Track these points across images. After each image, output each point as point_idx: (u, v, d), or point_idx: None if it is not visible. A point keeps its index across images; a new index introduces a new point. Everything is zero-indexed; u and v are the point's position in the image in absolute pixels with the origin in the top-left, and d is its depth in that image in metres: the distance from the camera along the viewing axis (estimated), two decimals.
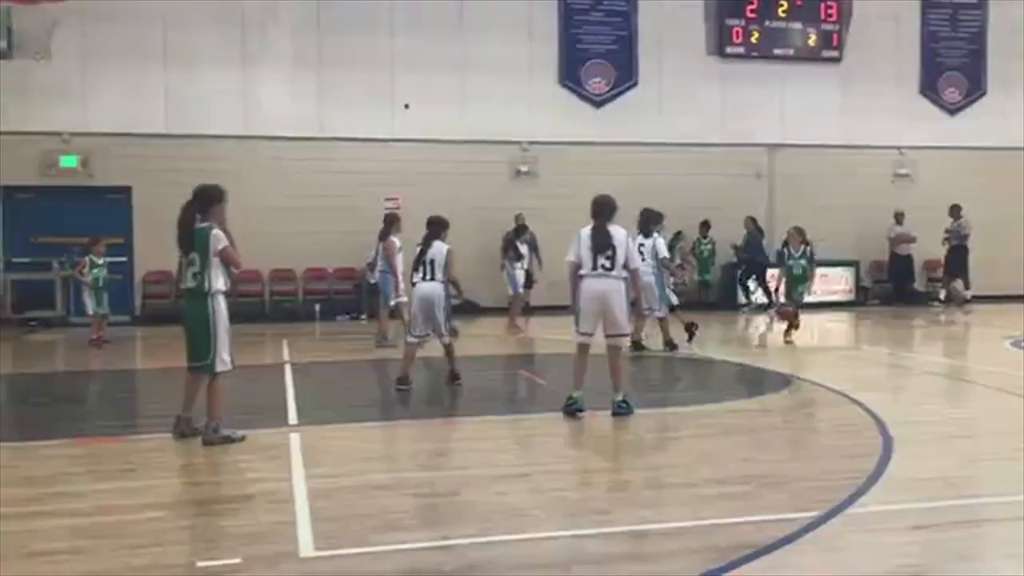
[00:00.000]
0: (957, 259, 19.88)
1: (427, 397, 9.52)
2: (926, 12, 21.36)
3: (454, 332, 9.45)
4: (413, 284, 9.45)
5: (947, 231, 19.88)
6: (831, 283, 20.34)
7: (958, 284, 19.87)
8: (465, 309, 11.30)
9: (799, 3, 20.49)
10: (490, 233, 17.69)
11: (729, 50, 20.31)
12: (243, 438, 6.97)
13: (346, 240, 18.01)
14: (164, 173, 16.77)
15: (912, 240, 20.38)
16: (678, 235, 19.74)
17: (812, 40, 20.73)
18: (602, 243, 7.87)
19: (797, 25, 20.64)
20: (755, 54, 20.42)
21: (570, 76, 19.74)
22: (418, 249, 9.44)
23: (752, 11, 20.33)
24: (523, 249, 15.05)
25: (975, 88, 21.56)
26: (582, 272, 7.92)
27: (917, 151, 21.16)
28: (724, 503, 5.35)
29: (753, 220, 19.55)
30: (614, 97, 19.95)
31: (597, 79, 19.87)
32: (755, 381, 10.41)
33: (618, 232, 7.99)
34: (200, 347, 6.95)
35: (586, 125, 19.66)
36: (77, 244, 15.54)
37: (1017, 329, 14.50)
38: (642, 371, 11.03)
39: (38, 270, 17.30)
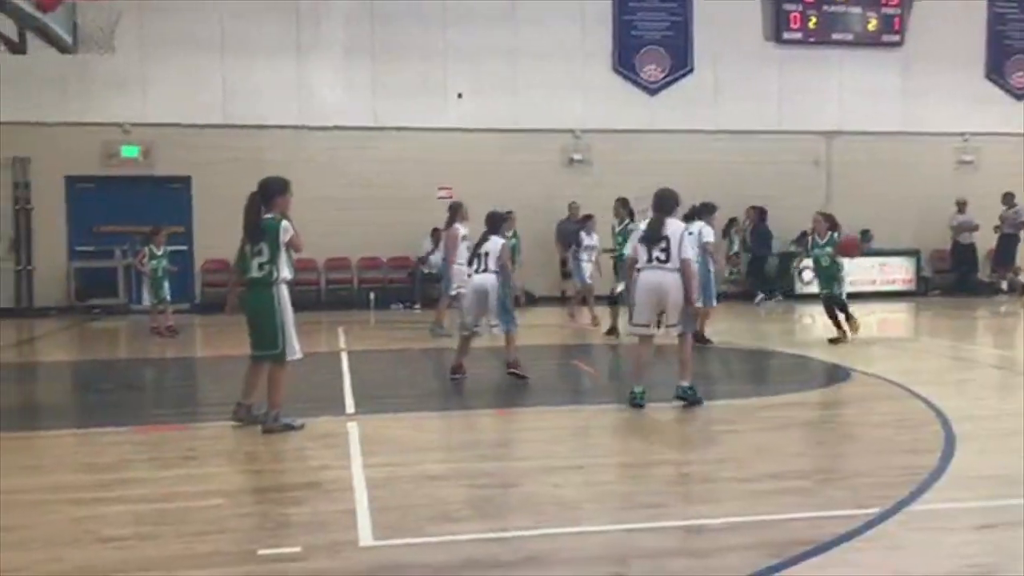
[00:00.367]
0: (1007, 248, 19.41)
1: (482, 387, 9.55)
2: None
3: (507, 323, 9.37)
4: (469, 276, 9.55)
5: (1000, 218, 19.41)
6: (891, 272, 20.01)
7: (1021, 275, 19.43)
8: (518, 298, 11.37)
9: None
10: (543, 222, 17.69)
11: (786, 35, 20.01)
12: (302, 426, 7.07)
13: (399, 229, 18.17)
14: (222, 163, 17.09)
15: (975, 229, 19.92)
16: (732, 222, 19.52)
17: (872, 24, 20.32)
18: (655, 236, 7.84)
19: (857, 9, 20.26)
20: (813, 39, 20.10)
21: (624, 63, 19.61)
22: (475, 243, 9.56)
23: None
24: (592, 239, 14.64)
25: None
26: (638, 265, 7.93)
27: (981, 137, 20.66)
28: (781, 498, 5.30)
29: (756, 209, 19.13)
30: (669, 84, 19.79)
31: (651, 66, 19.71)
32: (813, 373, 10.26)
33: (674, 224, 7.95)
34: (268, 337, 7.03)
35: (640, 112, 19.53)
36: (138, 233, 15.89)
37: None
38: (700, 364, 10.89)
39: (101, 258, 17.73)
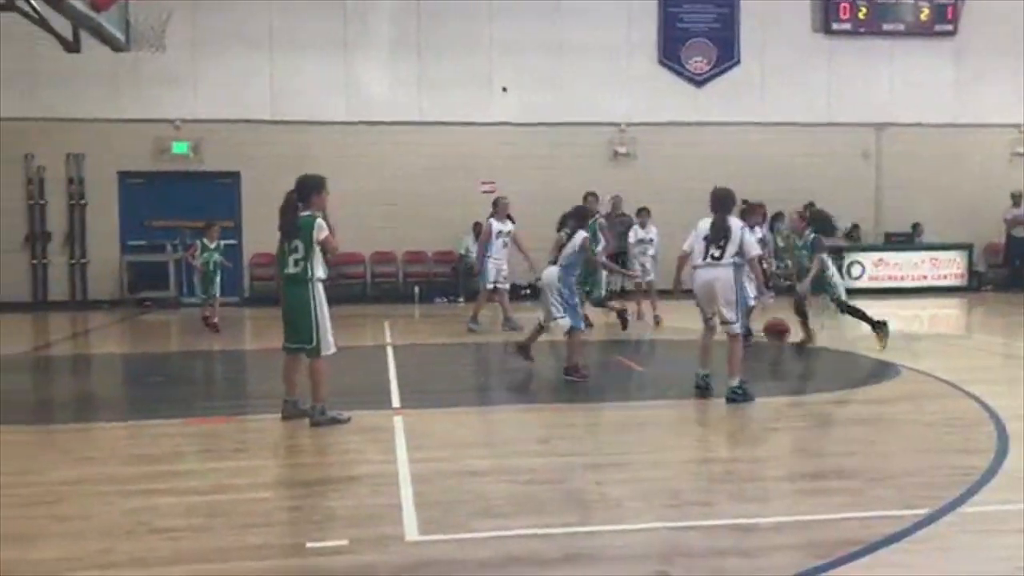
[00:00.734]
0: None
1: (526, 382, 9.58)
2: None
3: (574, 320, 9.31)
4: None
5: None
6: (942, 267, 19.67)
7: None
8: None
9: None
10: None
11: (836, 26, 19.73)
12: (348, 419, 7.15)
13: (444, 224, 18.26)
14: (270, 158, 17.31)
15: None
16: (778, 216, 19.29)
17: (924, 14, 19.95)
18: (718, 235, 7.96)
19: None
20: (863, 30, 19.80)
21: (670, 55, 19.48)
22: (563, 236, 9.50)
23: None
24: (650, 233, 14.36)
25: None
26: (693, 263, 8.07)
27: None
28: (829, 497, 5.24)
29: (745, 202, 18.49)
30: (715, 76, 19.62)
31: (698, 58, 19.56)
32: (862, 370, 10.12)
33: (735, 223, 8.11)
34: (303, 331, 7.12)
35: (686, 105, 19.40)
36: (189, 227, 16.17)
37: None
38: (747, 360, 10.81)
39: (152, 252, 18.06)
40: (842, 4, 19.68)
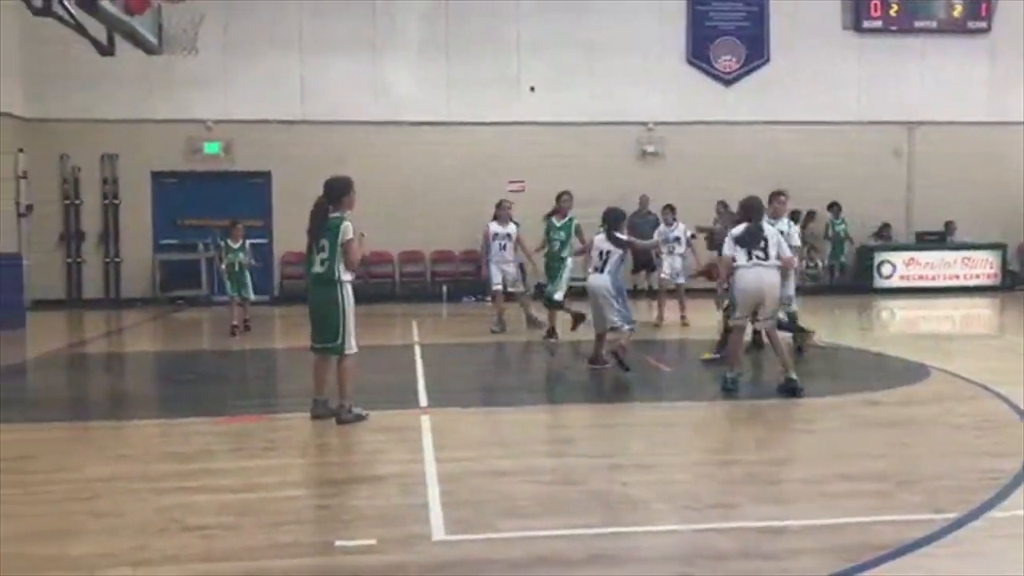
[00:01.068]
0: None
1: (552, 383, 9.61)
2: None
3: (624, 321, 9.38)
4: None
5: None
6: (975, 266, 19.46)
7: None
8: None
9: None
10: None
11: (866, 24, 19.56)
12: (367, 416, 7.26)
13: (472, 223, 18.22)
14: (300, 158, 17.46)
15: None
16: (811, 215, 19.18)
17: (957, 11, 19.72)
18: (755, 240, 8.25)
19: None
20: (894, 27, 19.60)
21: (698, 54, 19.40)
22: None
23: None
24: (676, 231, 14.15)
25: None
26: (736, 264, 8.27)
27: None
28: (856, 500, 5.23)
29: (725, 205, 18.16)
30: (744, 75, 19.52)
31: (727, 56, 19.47)
32: (890, 371, 10.04)
33: (768, 228, 8.43)
34: (330, 330, 7.21)
35: (714, 104, 19.32)
36: (221, 227, 16.30)
37: None
38: (773, 361, 10.77)
39: (184, 251, 18.26)
40: (873, 2, 19.49)
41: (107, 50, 11.31)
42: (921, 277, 19.33)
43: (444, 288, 18.65)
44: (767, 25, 19.47)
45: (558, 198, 12.52)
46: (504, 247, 13.08)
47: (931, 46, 19.71)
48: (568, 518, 4.96)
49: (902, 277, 19.32)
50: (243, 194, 18.25)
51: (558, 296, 11.64)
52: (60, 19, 10.00)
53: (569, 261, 11.89)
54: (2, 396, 9.12)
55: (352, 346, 7.26)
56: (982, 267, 19.46)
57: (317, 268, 7.22)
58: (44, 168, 17.90)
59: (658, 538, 4.69)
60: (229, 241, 13.60)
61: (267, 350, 12.67)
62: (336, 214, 7.19)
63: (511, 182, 17.70)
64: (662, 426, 7.54)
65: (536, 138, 18.64)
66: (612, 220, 9.52)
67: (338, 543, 4.56)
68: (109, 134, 17.93)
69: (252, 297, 13.80)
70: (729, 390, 8.26)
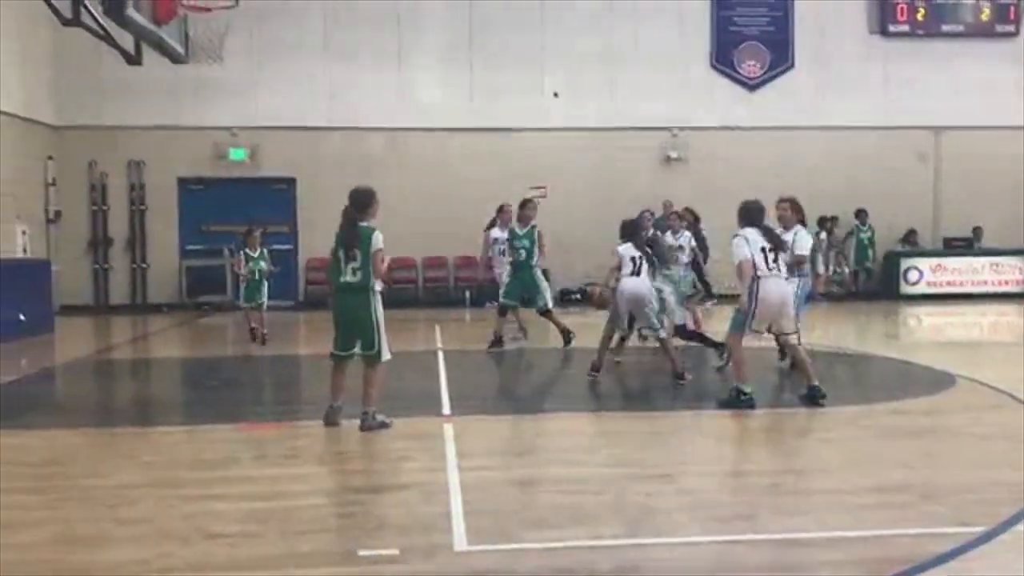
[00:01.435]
0: None
1: (574, 390, 9.61)
2: None
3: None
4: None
5: None
6: (1004, 273, 19.27)
7: None
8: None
9: None
10: None
11: (893, 28, 19.44)
12: (391, 424, 7.29)
13: None
14: (325, 165, 17.61)
15: None
16: (834, 220, 19.07)
17: (985, 14, 19.56)
18: (779, 243, 8.13)
19: None
20: (921, 32, 19.46)
21: (722, 59, 19.36)
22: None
23: None
24: (680, 239, 13.88)
25: None
26: (759, 273, 7.96)
27: None
28: (880, 512, 5.19)
29: (692, 212, 17.53)
30: (769, 80, 19.47)
31: (751, 62, 19.42)
32: (916, 379, 9.96)
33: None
34: (366, 339, 7.26)
35: (738, 109, 19.28)
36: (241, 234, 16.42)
37: None
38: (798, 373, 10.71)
39: (210, 257, 18.42)
40: (899, 5, 19.38)
41: (134, 59, 11.49)
42: (948, 283, 19.17)
43: (467, 293, 18.70)
44: (792, 30, 19.40)
45: (522, 205, 12.36)
46: (504, 252, 12.81)
47: (958, 50, 19.54)
48: (592, 528, 4.95)
49: (929, 283, 19.17)
50: (268, 200, 18.40)
51: (550, 304, 11.87)
52: (89, 29, 10.17)
53: (538, 270, 11.90)
54: (32, 401, 9.27)
55: (387, 353, 7.31)
56: (1010, 273, 19.26)
57: (349, 277, 7.25)
58: (72, 175, 18.15)
59: (681, 550, 4.67)
60: (247, 250, 13.22)
61: (291, 356, 12.75)
62: (365, 223, 7.25)
63: (533, 188, 17.68)
64: (685, 435, 7.53)
65: (560, 144, 18.67)
66: (633, 230, 9.67)
67: (361, 552, 4.57)
68: (136, 141, 18.16)
69: (266, 304, 13.41)
70: (750, 405, 7.92)
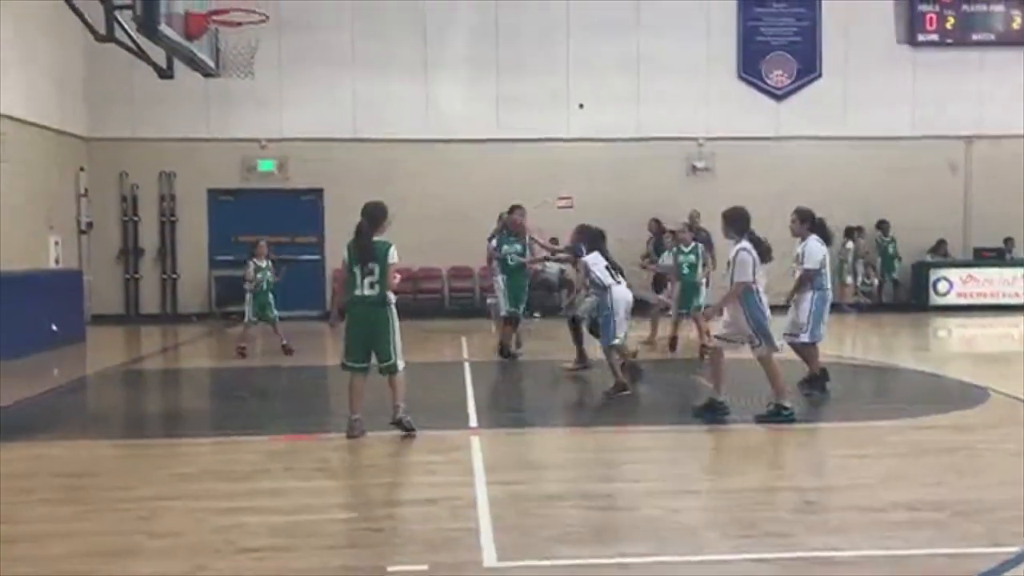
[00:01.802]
0: None
1: (600, 403, 9.57)
2: None
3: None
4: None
5: None
6: None
7: None
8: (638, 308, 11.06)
9: None
10: None
11: (922, 37, 19.28)
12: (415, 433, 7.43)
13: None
14: (353, 175, 17.69)
15: None
16: (860, 231, 18.92)
17: (1016, 23, 19.38)
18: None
19: (999, 8, 19.36)
20: (950, 41, 19.29)
21: (749, 69, 19.29)
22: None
23: None
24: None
25: None
26: (758, 288, 7.95)
27: None
28: (912, 531, 5.14)
29: (658, 222, 16.78)
30: (796, 90, 19.37)
31: (778, 71, 19.33)
32: (947, 394, 9.85)
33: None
34: (383, 350, 7.43)
35: (765, 119, 19.19)
36: (274, 243, 16.51)
37: None
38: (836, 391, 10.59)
39: (239, 267, 18.44)
40: (929, 15, 19.23)
41: (166, 73, 11.65)
42: (979, 294, 18.94)
43: (491, 303, 18.67)
44: (819, 40, 19.30)
45: (511, 211, 12.42)
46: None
47: (989, 59, 19.36)
48: (620, 546, 4.94)
49: (959, 294, 18.95)
50: (296, 211, 18.55)
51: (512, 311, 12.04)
52: (122, 45, 10.30)
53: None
54: (64, 412, 9.38)
55: (401, 362, 7.52)
56: None
57: (367, 291, 7.38)
58: (104, 186, 18.38)
59: (712, 567, 4.64)
60: (256, 260, 12.98)
61: (317, 367, 12.78)
62: (380, 238, 7.39)
63: (560, 198, 17.70)
64: (712, 450, 7.49)
65: (586, 155, 18.67)
66: (596, 239, 9.87)
67: (390, 569, 4.59)
68: (167, 153, 18.36)
69: (277, 317, 13.23)
70: (792, 420, 7.88)
